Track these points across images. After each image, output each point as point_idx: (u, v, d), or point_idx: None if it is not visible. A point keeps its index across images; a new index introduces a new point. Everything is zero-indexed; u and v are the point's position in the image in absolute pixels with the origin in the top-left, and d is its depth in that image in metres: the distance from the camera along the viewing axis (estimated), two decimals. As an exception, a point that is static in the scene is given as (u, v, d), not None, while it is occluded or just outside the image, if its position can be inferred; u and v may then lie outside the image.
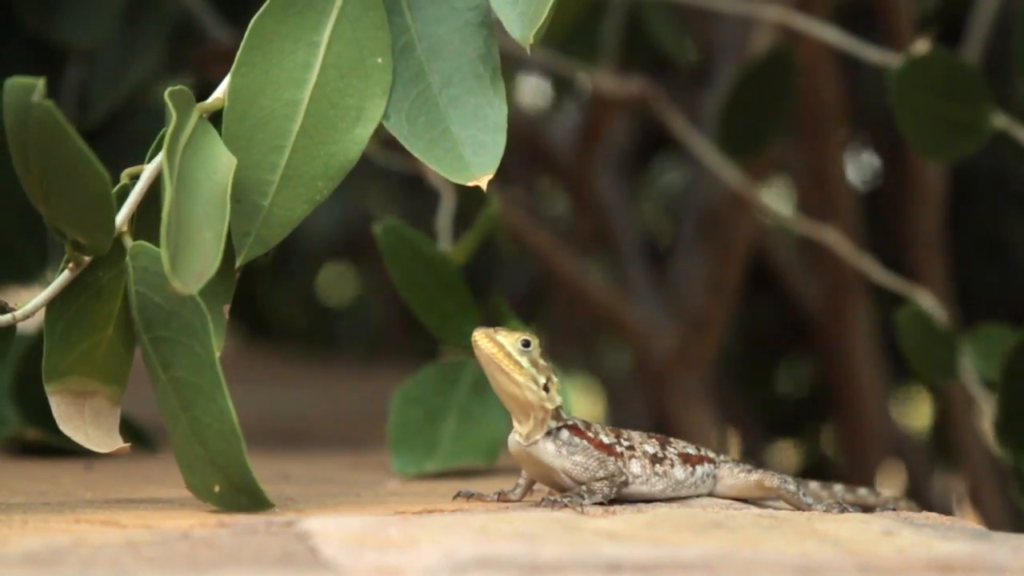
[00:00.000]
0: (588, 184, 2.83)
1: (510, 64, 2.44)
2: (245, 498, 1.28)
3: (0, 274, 1.92)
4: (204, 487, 1.29)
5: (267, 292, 4.00)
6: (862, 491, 1.51)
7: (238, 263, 1.33)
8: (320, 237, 3.93)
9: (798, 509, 1.40)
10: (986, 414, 1.83)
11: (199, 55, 2.05)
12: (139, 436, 1.90)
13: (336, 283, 4.36)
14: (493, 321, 1.74)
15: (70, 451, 1.79)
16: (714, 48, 2.62)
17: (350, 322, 4.43)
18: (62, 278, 1.32)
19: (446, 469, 1.69)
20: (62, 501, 1.39)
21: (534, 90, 3.25)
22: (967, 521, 1.36)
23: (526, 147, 2.95)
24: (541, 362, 1.37)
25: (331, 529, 1.15)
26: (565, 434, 1.37)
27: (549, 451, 1.37)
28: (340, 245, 4.05)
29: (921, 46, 1.85)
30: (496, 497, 1.41)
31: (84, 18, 1.99)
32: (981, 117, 1.80)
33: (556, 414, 1.37)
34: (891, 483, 3.08)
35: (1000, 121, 1.81)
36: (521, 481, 1.42)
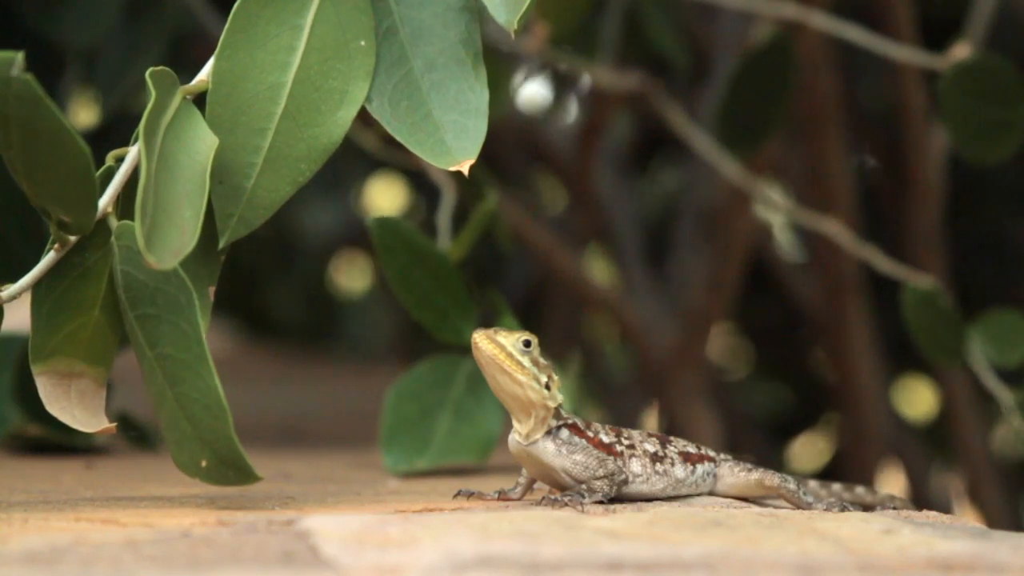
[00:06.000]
0: (587, 181, 2.83)
1: (510, 61, 2.45)
2: (232, 472, 1.28)
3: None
4: (192, 463, 1.29)
5: (269, 290, 3.99)
6: (860, 490, 1.51)
7: (221, 244, 1.33)
8: (322, 235, 3.93)
9: (798, 508, 1.40)
10: (1003, 402, 1.82)
11: (201, 53, 2.04)
12: (140, 434, 1.90)
13: (339, 281, 4.36)
14: (490, 317, 1.73)
15: (71, 449, 1.79)
16: (714, 45, 2.62)
17: (353, 320, 4.42)
18: (48, 259, 1.31)
19: (438, 466, 1.69)
20: (63, 499, 1.39)
21: (533, 87, 3.25)
22: (967, 519, 1.36)
23: (525, 145, 2.94)
24: (542, 361, 1.37)
25: (331, 528, 1.16)
26: (565, 433, 1.37)
27: (549, 450, 1.37)
28: (343, 243, 4.05)
29: (961, 50, 1.85)
30: (496, 496, 1.41)
31: (85, 17, 1.99)
32: (1019, 115, 1.80)
33: (556, 413, 1.37)
34: (890, 481, 3.07)
35: None
36: (521, 480, 1.42)
